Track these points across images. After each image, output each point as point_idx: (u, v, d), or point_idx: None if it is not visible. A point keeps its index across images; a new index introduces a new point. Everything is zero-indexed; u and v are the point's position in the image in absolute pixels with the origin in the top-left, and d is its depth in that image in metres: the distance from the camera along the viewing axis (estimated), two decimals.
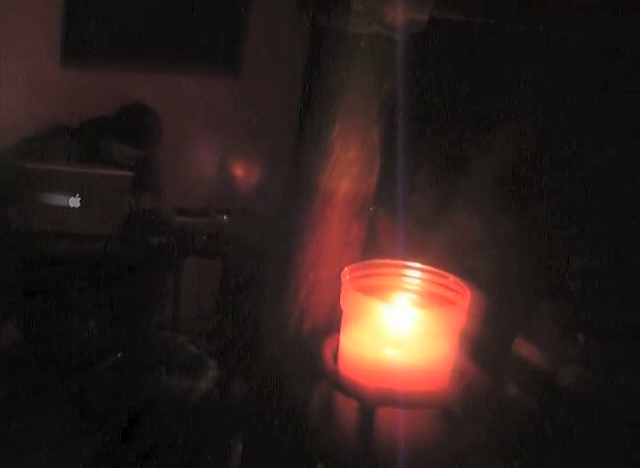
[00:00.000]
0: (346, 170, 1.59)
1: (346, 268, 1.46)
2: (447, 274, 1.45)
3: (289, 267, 1.57)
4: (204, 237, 3.34)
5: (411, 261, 1.46)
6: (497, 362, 1.46)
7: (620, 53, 1.55)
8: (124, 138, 3.06)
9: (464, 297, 1.42)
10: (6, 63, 3.23)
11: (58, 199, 2.88)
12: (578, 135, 1.60)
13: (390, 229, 1.48)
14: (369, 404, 1.39)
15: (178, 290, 3.38)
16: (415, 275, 1.48)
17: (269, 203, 2.97)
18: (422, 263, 1.44)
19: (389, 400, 1.39)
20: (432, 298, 1.47)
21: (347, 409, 1.46)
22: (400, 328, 1.41)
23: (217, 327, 3.19)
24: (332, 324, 1.61)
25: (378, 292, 1.47)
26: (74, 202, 2.89)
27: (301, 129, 1.62)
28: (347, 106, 1.58)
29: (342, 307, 1.47)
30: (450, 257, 1.44)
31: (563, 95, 1.46)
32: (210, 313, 3.43)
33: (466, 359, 1.44)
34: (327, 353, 1.50)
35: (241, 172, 3.57)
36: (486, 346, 1.42)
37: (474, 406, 1.41)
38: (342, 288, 1.45)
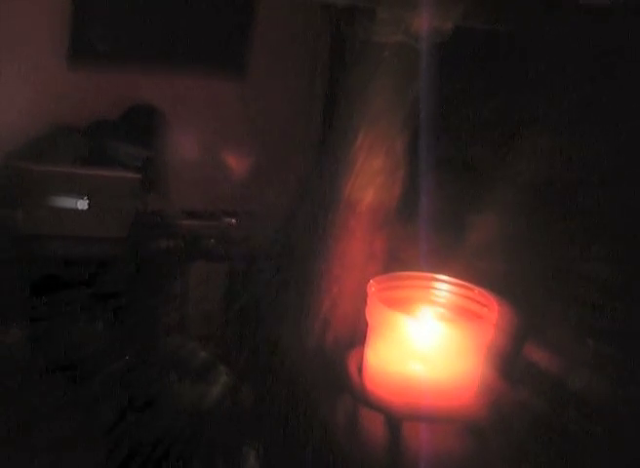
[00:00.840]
0: (370, 180, 1.57)
1: (372, 280, 1.44)
2: (474, 287, 1.43)
3: (312, 279, 1.55)
4: (212, 240, 3.31)
5: (436, 273, 1.43)
6: (512, 368, 1.43)
7: None
8: (130, 139, 3.04)
9: (491, 311, 1.40)
10: (13, 65, 3.20)
11: (65, 201, 2.86)
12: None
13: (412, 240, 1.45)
14: (395, 418, 1.36)
15: (185, 293, 3.35)
16: (442, 287, 1.46)
17: (278, 207, 2.95)
18: (447, 274, 1.41)
19: (416, 415, 1.36)
20: (459, 311, 1.45)
21: (372, 425, 1.44)
22: (426, 342, 1.39)
23: (224, 332, 3.16)
24: (355, 337, 1.59)
25: (403, 304, 1.45)
26: (81, 204, 2.87)
27: (324, 139, 1.61)
28: (372, 115, 1.56)
29: (368, 320, 1.44)
30: (463, 261, 1.41)
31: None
32: (217, 318, 3.40)
33: (494, 373, 1.41)
34: (352, 366, 1.48)
35: (249, 174, 3.54)
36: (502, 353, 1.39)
37: (502, 421, 1.38)
38: (368, 300, 1.43)
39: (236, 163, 3.75)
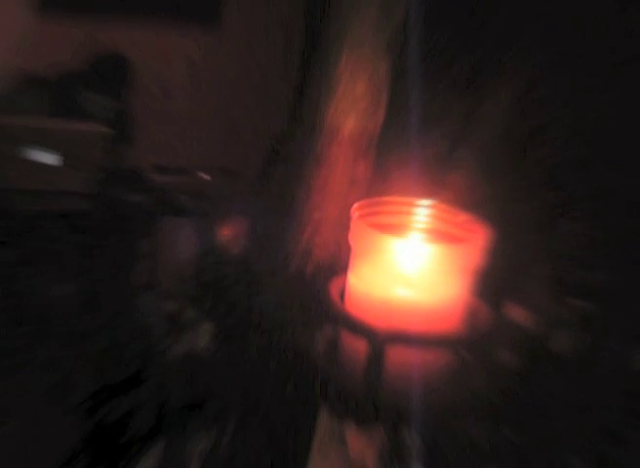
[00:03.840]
0: (353, 105, 1.53)
1: (355, 204, 1.40)
2: (460, 211, 1.39)
3: (292, 207, 1.51)
4: (184, 196, 3.25)
5: (422, 198, 1.40)
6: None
7: None
8: (100, 89, 2.97)
9: (478, 236, 1.37)
10: None
11: (33, 155, 2.78)
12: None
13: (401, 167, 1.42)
14: (378, 342, 1.33)
15: (156, 250, 3.29)
16: (426, 213, 1.43)
17: (252, 163, 2.89)
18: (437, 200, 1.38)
19: (399, 338, 1.33)
20: (444, 236, 1.42)
21: (355, 351, 1.41)
22: (411, 264, 1.36)
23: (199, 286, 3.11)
24: (335, 266, 1.55)
25: (387, 229, 1.42)
26: (50, 159, 2.80)
27: (307, 65, 1.57)
28: (354, 39, 1.52)
29: (351, 244, 1.41)
30: (452, 188, 1.38)
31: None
32: (190, 274, 3.35)
33: (479, 300, 1.39)
34: (334, 293, 1.44)
35: (222, 129, 3.48)
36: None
37: (486, 345, 1.36)
38: (352, 223, 1.39)
39: (210, 117, 3.69)
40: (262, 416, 1.62)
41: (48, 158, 2.89)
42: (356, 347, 1.40)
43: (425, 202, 1.42)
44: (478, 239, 1.37)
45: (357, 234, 1.39)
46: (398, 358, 1.38)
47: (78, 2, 3.48)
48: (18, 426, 2.08)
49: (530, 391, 1.48)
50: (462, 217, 1.39)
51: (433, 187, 1.39)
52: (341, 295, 1.45)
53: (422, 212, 1.42)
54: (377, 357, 1.33)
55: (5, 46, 3.32)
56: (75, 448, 2.06)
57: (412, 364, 1.38)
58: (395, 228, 1.41)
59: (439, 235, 1.41)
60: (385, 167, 1.49)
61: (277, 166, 2.43)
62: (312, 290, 1.48)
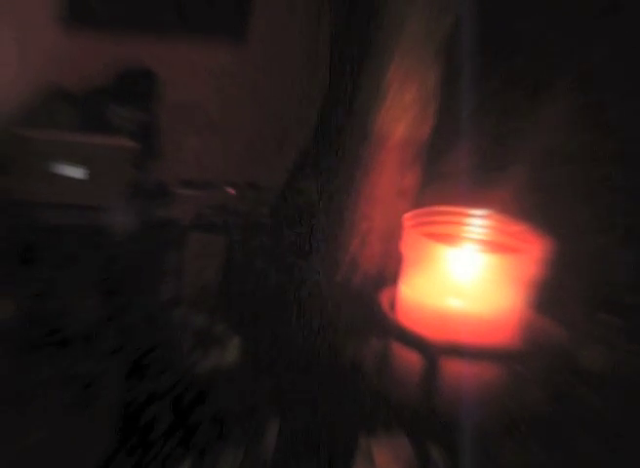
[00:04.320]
0: (402, 114, 1.50)
1: (408, 214, 1.37)
2: (516, 221, 1.36)
3: (340, 217, 1.48)
4: (209, 210, 3.23)
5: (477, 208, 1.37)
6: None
7: None
8: (124, 101, 2.96)
9: (533, 246, 1.34)
10: (7, 28, 3.10)
11: (60, 169, 2.76)
12: None
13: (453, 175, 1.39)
14: (432, 355, 1.30)
15: (181, 264, 3.27)
16: (479, 223, 1.40)
17: (277, 177, 2.87)
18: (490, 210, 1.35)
19: (454, 351, 1.30)
20: (498, 247, 1.39)
21: (406, 363, 1.37)
22: (464, 274, 1.33)
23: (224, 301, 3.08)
24: (382, 277, 1.52)
25: (440, 239, 1.39)
26: (77, 172, 2.78)
27: (358, 73, 1.56)
28: (403, 48, 1.50)
29: (403, 254, 1.38)
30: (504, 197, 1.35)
31: None
32: (214, 289, 3.32)
33: (536, 313, 1.35)
34: (384, 304, 1.41)
35: (249, 143, 3.46)
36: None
37: (540, 358, 1.32)
38: (404, 233, 1.36)
39: (236, 131, 3.68)
40: (303, 430, 1.59)
41: (75, 172, 2.88)
42: (408, 359, 1.37)
43: (479, 212, 1.38)
44: (533, 250, 1.34)
45: (410, 243, 1.36)
46: (449, 370, 1.35)
47: (106, 17, 3.49)
48: (45, 438, 2.06)
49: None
50: (517, 228, 1.35)
51: (485, 196, 1.35)
52: (392, 306, 1.41)
53: (476, 222, 1.39)
54: (431, 370, 1.29)
55: (34, 60, 3.32)
56: (101, 462, 2.03)
57: (464, 376, 1.34)
58: (448, 238, 1.38)
59: (493, 245, 1.38)
60: (435, 176, 1.46)
61: (303, 179, 2.41)
62: (361, 300, 1.45)
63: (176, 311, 2.72)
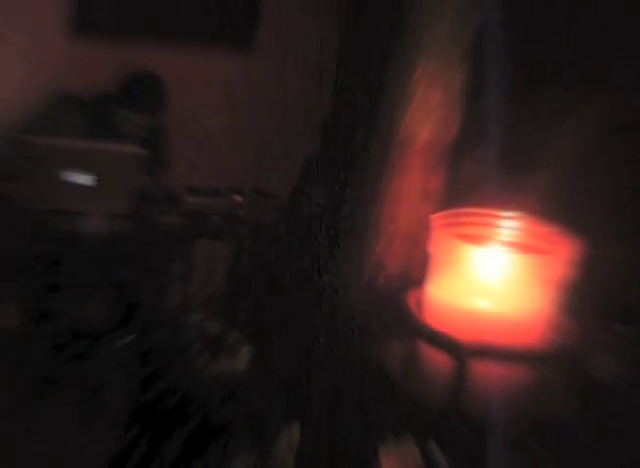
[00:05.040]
0: (427, 116, 1.51)
1: (436, 215, 1.37)
2: (543, 222, 1.36)
3: (366, 219, 1.48)
4: (216, 217, 3.22)
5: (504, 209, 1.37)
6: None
7: None
8: (131, 105, 2.96)
9: (561, 247, 1.34)
10: (16, 37, 3.10)
11: (67, 176, 2.75)
12: None
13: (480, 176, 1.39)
14: (462, 356, 1.29)
15: (189, 271, 3.25)
16: (509, 225, 1.40)
17: (284, 184, 2.87)
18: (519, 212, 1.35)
19: (484, 352, 1.29)
20: (527, 248, 1.39)
21: (433, 364, 1.37)
22: (493, 274, 1.33)
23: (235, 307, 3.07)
24: (407, 278, 1.52)
25: (469, 241, 1.39)
26: (84, 179, 2.76)
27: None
28: (429, 51, 1.50)
29: (432, 254, 1.37)
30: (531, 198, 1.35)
31: None
32: (221, 296, 3.31)
33: (563, 314, 1.35)
34: (411, 305, 1.41)
35: (255, 150, 3.46)
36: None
37: (568, 359, 1.32)
38: (433, 233, 1.36)
39: (243, 138, 3.67)
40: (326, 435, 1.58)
41: (83, 179, 2.87)
42: (435, 360, 1.36)
43: (508, 214, 1.38)
44: (562, 251, 1.34)
45: (439, 244, 1.36)
46: (477, 371, 1.34)
47: (114, 25, 3.48)
48: (51, 445, 2.04)
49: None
50: (546, 229, 1.35)
51: (516, 195, 1.35)
52: (419, 307, 1.41)
53: (505, 223, 1.39)
54: (461, 371, 1.29)
55: (42, 68, 3.31)
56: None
57: (491, 378, 1.34)
58: (477, 239, 1.38)
59: (521, 247, 1.38)
60: (463, 177, 1.46)
61: (310, 186, 2.41)
62: (386, 302, 1.44)
63: (187, 317, 2.71)
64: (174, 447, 1.99)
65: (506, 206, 1.38)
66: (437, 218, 1.36)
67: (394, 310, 1.40)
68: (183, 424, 2.03)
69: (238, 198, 3.31)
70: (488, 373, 1.32)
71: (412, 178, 1.50)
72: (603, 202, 1.37)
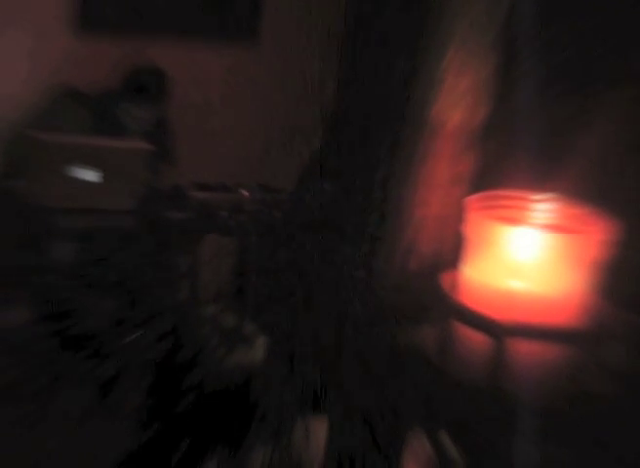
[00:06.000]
0: (457, 101, 1.52)
1: (472, 197, 1.39)
2: (578, 204, 1.38)
3: (397, 203, 1.49)
4: (224, 213, 3.23)
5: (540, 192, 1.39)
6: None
7: None
8: (135, 99, 2.96)
9: (596, 227, 1.35)
10: (20, 32, 3.11)
11: (74, 173, 2.75)
12: None
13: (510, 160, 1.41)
14: (499, 335, 1.31)
15: (196, 267, 3.27)
16: (543, 207, 1.41)
17: (291, 178, 2.88)
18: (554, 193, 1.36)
19: (521, 331, 1.31)
20: (561, 229, 1.41)
21: (469, 344, 1.38)
22: (527, 255, 1.35)
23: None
24: (438, 262, 1.54)
25: (503, 223, 1.40)
26: (91, 176, 2.76)
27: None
28: (460, 37, 1.52)
29: (466, 236, 1.39)
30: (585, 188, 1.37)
31: None
32: (228, 291, 3.32)
33: (599, 295, 1.36)
34: (447, 287, 1.42)
35: (261, 145, 3.47)
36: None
37: (602, 339, 1.34)
38: (468, 215, 1.38)
39: (248, 132, 3.69)
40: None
41: (90, 175, 2.87)
42: (471, 340, 1.38)
43: (542, 196, 1.40)
44: (596, 231, 1.36)
45: (474, 226, 1.38)
46: (515, 349, 1.36)
47: (118, 20, 3.50)
48: (65, 441, 2.03)
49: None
50: (580, 210, 1.37)
51: (549, 180, 1.37)
52: (453, 289, 1.42)
53: (539, 205, 1.41)
54: (499, 349, 1.31)
55: (47, 64, 3.32)
56: (125, 462, 2.01)
57: (527, 356, 1.35)
58: (512, 221, 1.39)
59: (556, 228, 1.40)
60: (496, 160, 1.48)
61: (317, 179, 2.42)
62: (418, 285, 1.46)
63: (201, 310, 2.72)
64: (192, 438, 1.99)
65: (540, 188, 1.39)
66: (471, 201, 1.38)
67: (429, 292, 1.41)
68: (202, 416, 2.03)
69: (245, 193, 3.32)
70: (524, 352, 1.34)
71: (442, 163, 1.52)
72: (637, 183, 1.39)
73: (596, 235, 1.35)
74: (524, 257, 1.35)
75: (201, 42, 3.49)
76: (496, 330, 1.32)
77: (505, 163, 1.43)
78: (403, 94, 1.48)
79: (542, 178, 1.38)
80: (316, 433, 1.85)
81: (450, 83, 1.50)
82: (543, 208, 1.41)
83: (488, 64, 1.49)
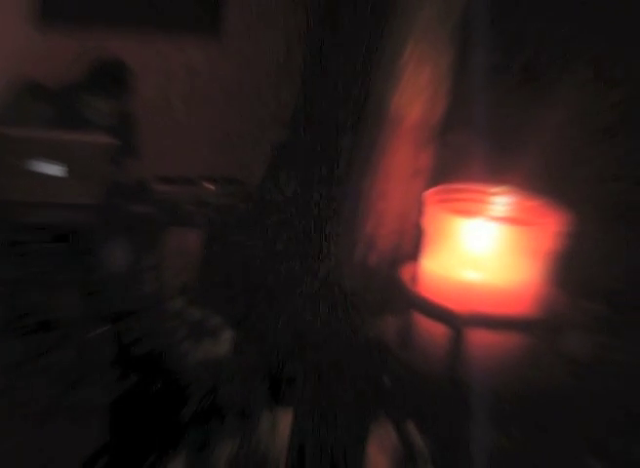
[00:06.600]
0: (416, 96, 1.55)
1: (430, 190, 1.42)
2: (532, 197, 1.41)
3: (357, 196, 1.51)
4: (188, 206, 3.23)
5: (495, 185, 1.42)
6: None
7: None
8: (97, 91, 2.94)
9: (550, 220, 1.39)
10: None
11: (37, 167, 2.73)
12: None
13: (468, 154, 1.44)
14: (458, 325, 1.34)
15: (160, 260, 3.26)
16: (499, 200, 1.45)
17: (254, 171, 2.89)
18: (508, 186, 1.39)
19: (479, 321, 1.34)
20: (516, 222, 1.44)
21: (428, 335, 1.41)
22: (484, 246, 1.38)
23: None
24: (398, 255, 1.56)
25: (460, 215, 1.43)
26: (54, 170, 2.74)
27: (373, 54, 1.59)
28: (419, 32, 1.54)
29: (425, 229, 1.42)
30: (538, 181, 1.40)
31: None
32: (193, 285, 3.32)
33: (553, 284, 1.40)
34: (406, 279, 1.45)
35: (224, 138, 3.47)
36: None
37: (556, 328, 1.37)
38: (426, 208, 1.40)
39: (211, 126, 3.69)
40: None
41: (52, 169, 2.85)
42: (431, 331, 1.41)
43: (497, 189, 1.43)
44: (549, 223, 1.39)
45: (432, 219, 1.40)
46: (473, 339, 1.39)
47: (79, 13, 3.47)
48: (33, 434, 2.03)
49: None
50: (534, 203, 1.40)
51: (505, 173, 1.40)
52: (413, 281, 1.45)
53: (495, 199, 1.44)
54: (457, 340, 1.34)
55: (7, 57, 3.28)
56: (94, 457, 2.01)
57: (485, 345, 1.39)
58: (468, 214, 1.42)
59: (511, 220, 1.43)
60: (452, 155, 1.51)
61: (280, 172, 2.43)
62: (379, 278, 1.48)
63: (167, 304, 2.72)
64: (159, 432, 1.99)
65: (496, 182, 1.42)
66: (429, 194, 1.40)
67: (389, 284, 1.43)
68: (169, 410, 2.04)
69: (210, 186, 3.32)
70: (482, 342, 1.37)
71: (402, 157, 1.55)
72: (589, 177, 1.43)
73: (550, 227, 1.38)
74: (481, 249, 1.38)
75: (164, 35, 3.48)
76: (454, 320, 1.35)
77: (463, 157, 1.46)
78: (363, 88, 1.50)
79: (498, 172, 1.40)
80: (281, 425, 1.87)
81: (409, 77, 1.52)
82: (499, 201, 1.44)
83: (447, 57, 1.51)
